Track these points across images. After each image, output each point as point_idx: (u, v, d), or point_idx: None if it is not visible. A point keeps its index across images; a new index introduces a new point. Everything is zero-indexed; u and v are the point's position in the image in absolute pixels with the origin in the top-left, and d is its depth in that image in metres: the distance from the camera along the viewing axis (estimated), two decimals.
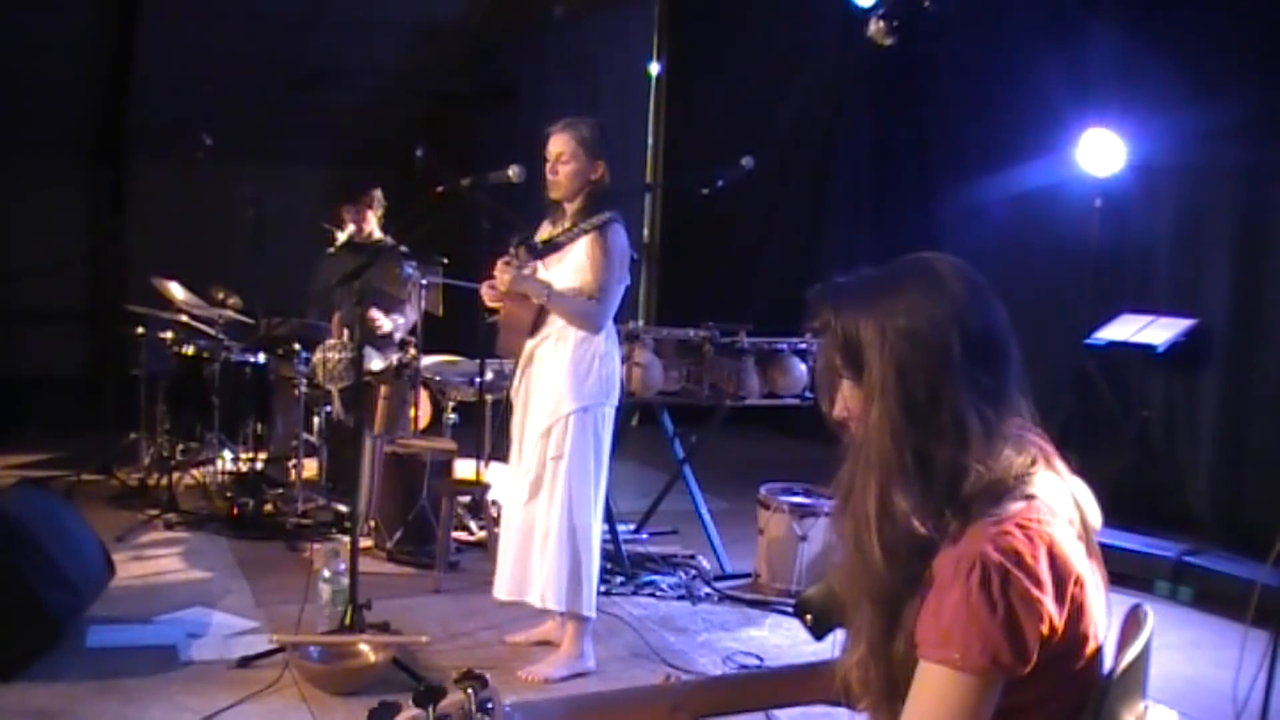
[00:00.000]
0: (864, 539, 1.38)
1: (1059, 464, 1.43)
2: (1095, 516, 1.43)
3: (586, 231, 3.62)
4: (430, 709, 1.32)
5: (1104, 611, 1.37)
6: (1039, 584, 1.27)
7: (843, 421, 1.46)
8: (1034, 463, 1.39)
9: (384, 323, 5.47)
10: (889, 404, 1.36)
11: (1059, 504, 1.37)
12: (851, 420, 1.44)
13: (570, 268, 3.65)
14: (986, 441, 1.35)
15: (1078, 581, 1.32)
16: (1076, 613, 1.31)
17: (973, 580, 1.27)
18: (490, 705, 1.37)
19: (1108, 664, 1.41)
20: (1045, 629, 1.27)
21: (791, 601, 4.36)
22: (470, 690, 1.36)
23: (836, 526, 1.45)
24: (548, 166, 3.66)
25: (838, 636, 1.57)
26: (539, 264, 3.73)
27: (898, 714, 1.36)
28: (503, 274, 3.64)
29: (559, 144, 3.64)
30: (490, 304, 3.79)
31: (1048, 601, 1.27)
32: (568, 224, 3.68)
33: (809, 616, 1.59)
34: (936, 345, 1.36)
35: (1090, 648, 1.35)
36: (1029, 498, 1.34)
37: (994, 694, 1.29)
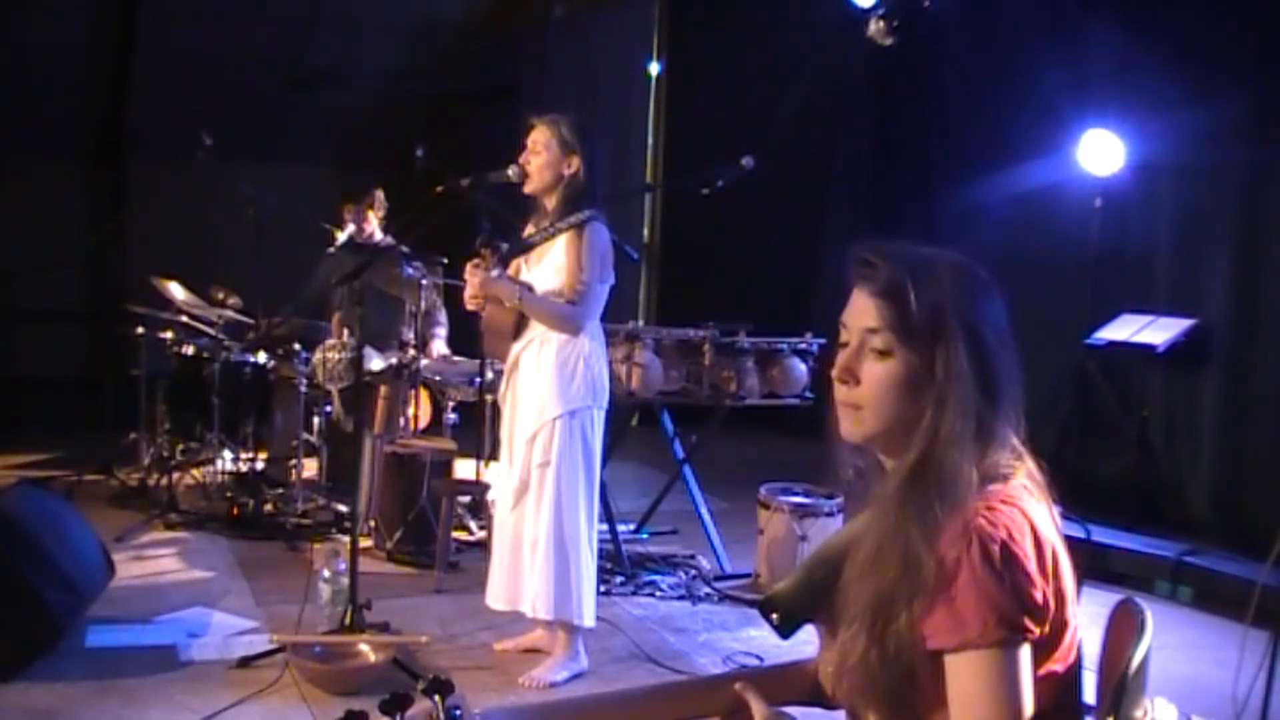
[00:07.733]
0: (894, 539, 1.35)
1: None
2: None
3: (562, 231, 3.56)
4: (397, 717, 1.31)
5: (1075, 609, 1.37)
6: (1026, 554, 1.29)
7: (842, 380, 1.41)
8: (1020, 459, 1.40)
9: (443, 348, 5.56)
10: (957, 394, 1.34)
11: (1039, 492, 1.39)
12: (853, 388, 1.40)
13: (551, 268, 3.59)
14: (993, 446, 1.36)
15: (1055, 559, 1.32)
16: (1059, 597, 1.32)
17: (974, 554, 1.27)
18: (459, 712, 1.34)
19: (1112, 663, 1.41)
20: (1040, 596, 1.28)
21: None
22: (438, 697, 1.34)
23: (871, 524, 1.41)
24: (522, 157, 3.58)
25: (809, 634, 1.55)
26: (522, 264, 3.68)
27: (891, 715, 1.35)
28: (472, 277, 3.56)
29: (535, 136, 3.58)
30: (471, 308, 3.68)
31: (1035, 572, 1.28)
32: (546, 223, 3.62)
33: (775, 615, 1.54)
34: (995, 340, 1.37)
35: (1067, 643, 1.35)
36: (1008, 480, 1.36)
37: (1024, 662, 1.28)
